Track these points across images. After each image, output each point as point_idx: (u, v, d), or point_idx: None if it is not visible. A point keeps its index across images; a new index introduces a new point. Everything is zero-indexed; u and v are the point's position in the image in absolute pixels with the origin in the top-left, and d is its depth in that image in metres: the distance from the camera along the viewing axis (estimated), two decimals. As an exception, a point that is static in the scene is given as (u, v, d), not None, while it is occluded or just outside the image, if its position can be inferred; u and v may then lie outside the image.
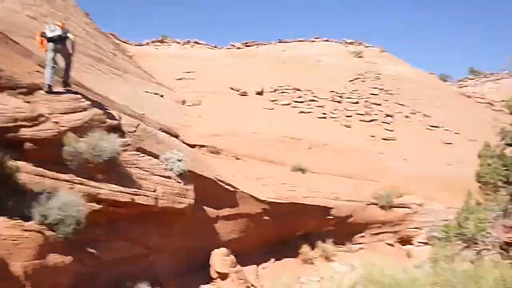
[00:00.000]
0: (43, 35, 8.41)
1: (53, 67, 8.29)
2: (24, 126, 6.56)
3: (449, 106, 35.47)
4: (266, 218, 14.78)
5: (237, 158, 19.11)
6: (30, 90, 7.59)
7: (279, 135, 23.22)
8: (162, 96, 26.32)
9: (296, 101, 32.65)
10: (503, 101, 23.92)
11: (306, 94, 34.26)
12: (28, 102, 7.24)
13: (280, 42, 53.54)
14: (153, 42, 48.08)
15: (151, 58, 42.25)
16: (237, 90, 33.76)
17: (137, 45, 46.71)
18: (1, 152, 5.89)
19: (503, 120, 13.02)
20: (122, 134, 9.20)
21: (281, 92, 35.44)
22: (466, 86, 51.45)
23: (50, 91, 7.97)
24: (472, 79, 53.86)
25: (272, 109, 30.93)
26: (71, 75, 9.22)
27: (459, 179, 19.71)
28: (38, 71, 8.50)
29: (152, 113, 18.91)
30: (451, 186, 20.34)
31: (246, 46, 51.94)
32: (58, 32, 8.50)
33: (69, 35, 8.85)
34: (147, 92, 25.69)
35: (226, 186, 13.17)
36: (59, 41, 8.52)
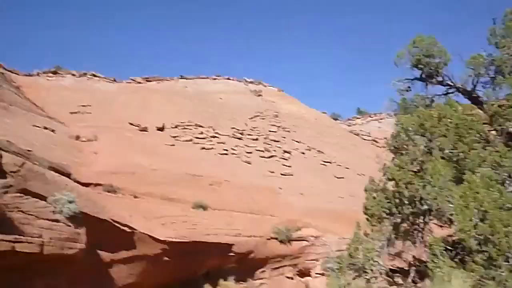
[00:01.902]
0: None
1: None
2: None
3: (340, 143, 38.43)
4: (166, 258, 14.31)
5: (136, 197, 18.38)
6: None
7: (180, 171, 22.93)
8: (53, 130, 24.54)
9: (197, 137, 32.76)
10: (385, 138, 26.78)
11: (207, 131, 34.57)
12: None
13: (182, 78, 53.77)
14: (44, 73, 44.96)
15: (42, 90, 39.37)
16: (137, 126, 32.82)
17: (26, 75, 43.32)
18: None
19: (384, 157, 14.47)
20: (3, 174, 8.36)
21: (183, 128, 35.30)
22: (355, 124, 56.34)
23: None
24: (359, 118, 59.26)
25: (173, 145, 30.56)
26: None
27: (350, 211, 21.23)
28: None
29: (41, 150, 17.51)
30: (343, 218, 21.75)
31: (147, 81, 51.18)
32: None
33: None
34: (35, 126, 23.79)
35: (123, 227, 12.56)
36: None
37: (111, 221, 12.06)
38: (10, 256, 7.72)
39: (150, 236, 13.70)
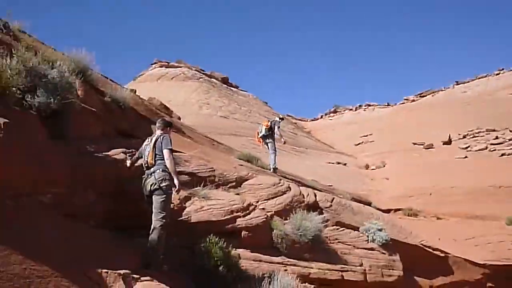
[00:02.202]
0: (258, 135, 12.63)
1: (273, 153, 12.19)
2: (239, 217, 7.32)
3: None
4: (490, 285, 12.75)
5: (438, 218, 17.47)
6: (238, 182, 8.55)
7: (481, 185, 20.57)
8: (345, 164, 26.62)
9: (492, 144, 28.94)
10: None
11: (503, 134, 30.15)
12: (238, 194, 8.14)
13: (457, 84, 49.58)
14: (326, 114, 50.11)
15: (328, 129, 43.80)
16: (421, 144, 31.84)
17: (312, 120, 49.28)
18: (224, 242, 6.61)
19: None
20: (320, 210, 9.44)
21: (473, 137, 32.02)
22: None
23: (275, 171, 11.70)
24: None
25: (465, 157, 27.98)
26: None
27: None
28: (241, 165, 9.59)
29: (339, 183, 19.14)
30: None
31: (421, 96, 49.61)
32: (263, 131, 12.46)
33: (275, 126, 12.63)
34: (329, 163, 26.37)
35: (435, 252, 12.00)
36: (267, 136, 12.44)
37: (421, 246, 11.75)
38: (338, 284, 8.46)
39: (466, 260, 12.57)
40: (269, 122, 12.91)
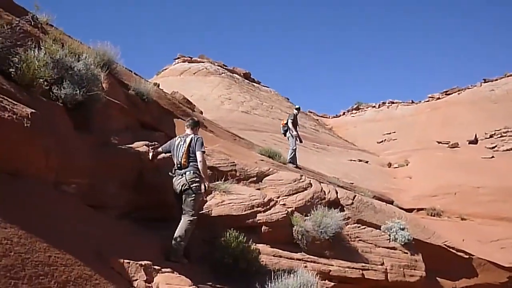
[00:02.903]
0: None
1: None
2: (259, 212, 7.30)
3: None
4: (516, 288, 12.41)
5: (463, 219, 17.07)
6: (259, 178, 8.53)
7: (508, 186, 20.00)
8: (367, 162, 26.29)
9: (522, 144, 28.18)
10: None
11: (533, 134, 29.32)
12: (258, 189, 8.12)
13: (485, 82, 48.27)
14: (348, 111, 49.60)
15: (350, 126, 43.35)
16: (446, 143, 31.19)
17: (334, 117, 48.85)
18: (244, 236, 6.61)
19: None
20: (341, 207, 9.34)
21: (500, 137, 31.21)
22: None
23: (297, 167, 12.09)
24: None
25: (492, 157, 27.28)
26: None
27: None
28: (262, 160, 9.56)
29: (361, 181, 18.92)
30: None
31: (446, 94, 48.51)
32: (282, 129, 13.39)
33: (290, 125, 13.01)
34: (351, 160, 26.09)
35: (458, 253, 11.75)
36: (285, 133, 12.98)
37: (444, 246, 11.51)
38: (359, 283, 8.36)
39: (491, 262, 12.27)
40: (286, 120, 13.10)
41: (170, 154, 6.02)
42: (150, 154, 6.17)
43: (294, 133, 12.79)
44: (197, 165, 5.55)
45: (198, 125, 6.19)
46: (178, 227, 5.40)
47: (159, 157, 6.55)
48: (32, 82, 4.60)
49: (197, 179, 5.54)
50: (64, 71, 5.20)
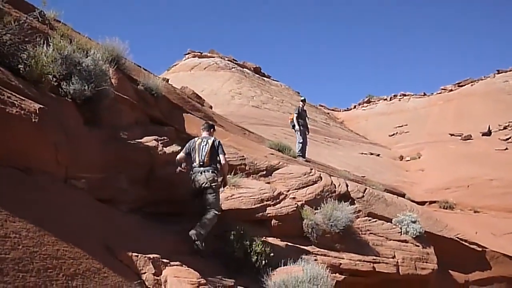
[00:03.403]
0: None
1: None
2: (269, 205, 7.30)
3: None
4: (531, 281, 12.22)
5: (476, 212, 16.85)
6: (268, 171, 8.53)
7: (523, 178, 19.67)
8: (378, 155, 26.08)
9: (537, 136, 27.71)
10: None
11: (548, 126, 28.82)
12: (268, 183, 8.12)
13: (499, 72, 47.43)
14: (359, 104, 49.23)
15: (361, 120, 43.04)
16: (459, 135, 30.79)
17: (345, 111, 48.54)
18: (254, 230, 6.61)
19: None
20: (352, 201, 9.30)
21: (514, 128, 30.67)
22: None
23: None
24: None
25: (506, 149, 26.86)
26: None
27: None
28: (271, 154, 9.54)
29: (373, 174, 18.78)
30: None
31: (459, 86, 47.79)
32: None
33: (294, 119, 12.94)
34: (362, 153, 25.91)
35: (471, 246, 11.61)
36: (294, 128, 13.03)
37: (457, 239, 11.39)
38: (371, 276, 8.32)
39: (505, 255, 12.10)
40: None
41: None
42: (183, 165, 6.33)
43: (297, 127, 12.71)
44: (216, 165, 6.10)
45: (213, 127, 6.70)
46: (203, 219, 5.78)
47: (169, 152, 6.60)
48: (41, 78, 4.63)
49: (216, 178, 6.01)
50: (72, 66, 5.23)
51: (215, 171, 6.06)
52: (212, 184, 5.93)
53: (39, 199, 3.62)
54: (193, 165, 6.11)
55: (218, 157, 6.17)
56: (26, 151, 3.84)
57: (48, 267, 2.93)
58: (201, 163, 6.03)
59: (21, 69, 4.52)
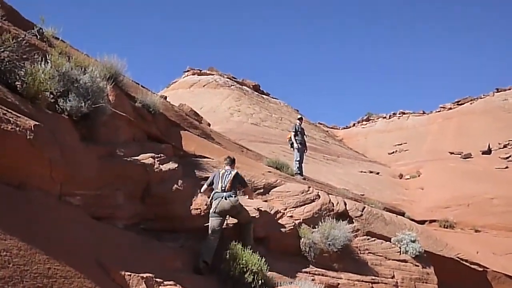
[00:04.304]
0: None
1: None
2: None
3: None
4: (533, 302, 12.04)
5: (477, 231, 16.73)
6: (266, 189, 8.47)
7: (524, 197, 19.57)
8: (377, 173, 26.01)
9: (536, 154, 27.70)
10: None
11: (548, 144, 28.84)
12: (265, 201, 8.06)
13: (498, 91, 47.71)
14: (359, 122, 49.36)
15: (360, 137, 43.07)
16: (459, 154, 30.79)
17: (344, 128, 48.64)
18: (251, 248, 6.53)
19: None
20: (350, 219, 9.21)
21: (514, 147, 30.67)
22: None
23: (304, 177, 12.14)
24: None
25: (506, 167, 26.83)
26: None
27: None
28: (269, 171, 9.50)
29: (372, 193, 18.71)
30: None
31: (458, 104, 48.02)
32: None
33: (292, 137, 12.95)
34: (362, 171, 25.85)
35: (472, 266, 11.47)
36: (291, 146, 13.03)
37: (458, 259, 11.25)
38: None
39: (506, 275, 11.95)
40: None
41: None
42: (207, 195, 6.87)
43: (295, 145, 12.72)
44: (236, 192, 6.82)
45: (235, 162, 7.47)
46: (244, 233, 6.76)
47: (165, 169, 6.58)
48: (38, 95, 4.64)
49: (238, 199, 6.74)
50: (70, 83, 5.24)
51: (236, 195, 6.73)
52: (237, 204, 6.61)
53: (32, 216, 3.58)
54: (215, 190, 6.67)
55: (239, 185, 7.05)
56: (21, 168, 3.82)
57: (38, 286, 2.87)
58: (223, 188, 6.63)
59: (18, 86, 4.53)
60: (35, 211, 3.66)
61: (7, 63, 4.48)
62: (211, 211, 6.49)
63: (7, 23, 5.09)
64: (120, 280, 3.77)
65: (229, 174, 6.89)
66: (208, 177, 7.17)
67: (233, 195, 6.65)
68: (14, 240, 3.04)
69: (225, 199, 6.50)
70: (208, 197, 6.79)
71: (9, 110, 3.89)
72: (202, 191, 6.90)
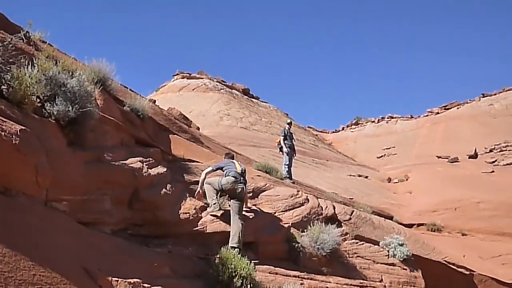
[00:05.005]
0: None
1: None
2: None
3: None
4: (519, 305, 12.21)
5: (464, 234, 16.92)
6: (255, 193, 8.48)
7: (510, 201, 19.87)
8: (366, 177, 26.17)
9: (522, 158, 28.13)
10: None
11: (534, 148, 29.30)
12: (254, 205, 8.06)
13: (484, 96, 48.42)
14: (348, 126, 49.66)
15: (349, 142, 43.34)
16: (446, 158, 31.12)
17: (333, 132, 48.88)
18: (240, 253, 6.52)
19: None
20: (339, 223, 9.27)
21: (500, 151, 31.17)
22: None
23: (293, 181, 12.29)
24: None
25: (492, 171, 27.19)
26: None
27: None
28: (258, 175, 9.51)
29: (361, 197, 18.81)
30: None
31: (445, 109, 48.61)
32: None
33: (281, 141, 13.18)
34: (350, 175, 25.98)
35: (459, 269, 11.61)
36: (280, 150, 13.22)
37: (445, 263, 11.38)
38: (358, 300, 8.21)
39: (493, 279, 12.11)
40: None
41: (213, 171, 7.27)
42: (195, 207, 6.86)
43: (284, 149, 12.88)
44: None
45: (234, 158, 7.86)
46: (234, 228, 6.64)
47: (154, 173, 6.55)
48: (24, 99, 4.59)
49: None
50: (57, 88, 5.19)
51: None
52: (244, 196, 7.00)
53: (17, 222, 3.53)
54: (233, 170, 7.00)
55: None
56: (6, 173, 3.77)
57: (22, 293, 2.84)
58: (243, 171, 7.12)
59: (4, 90, 4.48)
60: (20, 217, 3.62)
61: (-7, 67, 4.43)
62: (222, 181, 6.90)
63: (-7, 26, 5.03)
64: (107, 286, 3.73)
65: (241, 165, 7.37)
66: (197, 181, 7.29)
67: (247, 186, 7.22)
68: (-2, 247, 3.00)
69: (241, 183, 6.93)
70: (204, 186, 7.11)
71: (-6, 115, 3.85)
72: (205, 172, 7.13)
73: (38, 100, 4.93)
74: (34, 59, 5.17)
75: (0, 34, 5.19)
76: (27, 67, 4.84)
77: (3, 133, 3.68)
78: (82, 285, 3.44)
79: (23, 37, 5.39)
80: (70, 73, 5.61)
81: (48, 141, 4.66)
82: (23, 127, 3.98)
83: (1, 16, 5.87)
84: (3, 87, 4.50)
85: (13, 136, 3.78)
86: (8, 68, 4.58)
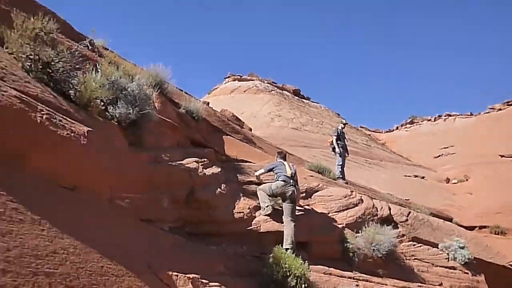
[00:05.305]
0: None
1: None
2: (310, 228, 7.20)
3: None
4: None
5: (531, 238, 15.84)
6: (308, 193, 8.45)
7: None
8: (423, 177, 25.23)
9: None
10: None
11: None
12: (308, 205, 8.03)
13: (553, 91, 44.94)
14: (402, 125, 48.10)
15: (404, 141, 41.95)
16: (509, 157, 29.28)
17: (387, 132, 47.53)
18: (294, 253, 6.53)
19: None
20: (395, 224, 9.01)
21: None
22: None
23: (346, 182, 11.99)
24: None
25: None
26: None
27: None
28: (311, 176, 9.46)
29: (417, 197, 18.16)
30: None
31: (508, 105, 45.71)
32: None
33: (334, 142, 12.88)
34: (406, 176, 25.15)
35: (526, 275, 10.88)
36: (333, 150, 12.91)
37: (510, 267, 10.73)
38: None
39: None
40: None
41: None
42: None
43: (337, 149, 12.60)
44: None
45: (286, 157, 7.97)
46: (287, 230, 6.68)
47: (208, 173, 6.72)
48: (89, 102, 4.89)
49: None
50: (118, 91, 5.48)
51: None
52: (296, 197, 7.02)
53: (86, 217, 3.77)
54: (283, 174, 7.07)
55: None
56: (75, 171, 4.03)
57: (93, 283, 3.03)
58: (293, 174, 7.14)
59: (71, 94, 4.79)
60: (88, 212, 3.86)
61: (62, 73, 4.75)
62: (272, 186, 6.98)
63: (61, 35, 5.40)
64: (168, 280, 3.89)
65: (293, 165, 7.48)
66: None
67: (300, 188, 7.33)
68: (70, 239, 3.22)
69: (293, 186, 6.96)
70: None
71: (65, 117, 4.13)
72: (257, 174, 7.44)
73: (102, 103, 5.23)
74: (97, 65, 5.49)
75: (67, 42, 5.56)
76: (92, 73, 5.15)
77: (72, 134, 3.95)
78: (145, 278, 3.61)
79: (88, 44, 5.74)
80: (130, 77, 5.90)
81: (112, 141, 4.93)
82: (90, 129, 4.24)
83: (68, 26, 6.28)
84: (70, 91, 4.81)
85: (81, 137, 4.04)
86: (75, 74, 4.90)
